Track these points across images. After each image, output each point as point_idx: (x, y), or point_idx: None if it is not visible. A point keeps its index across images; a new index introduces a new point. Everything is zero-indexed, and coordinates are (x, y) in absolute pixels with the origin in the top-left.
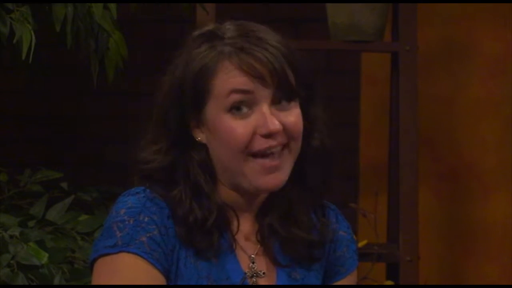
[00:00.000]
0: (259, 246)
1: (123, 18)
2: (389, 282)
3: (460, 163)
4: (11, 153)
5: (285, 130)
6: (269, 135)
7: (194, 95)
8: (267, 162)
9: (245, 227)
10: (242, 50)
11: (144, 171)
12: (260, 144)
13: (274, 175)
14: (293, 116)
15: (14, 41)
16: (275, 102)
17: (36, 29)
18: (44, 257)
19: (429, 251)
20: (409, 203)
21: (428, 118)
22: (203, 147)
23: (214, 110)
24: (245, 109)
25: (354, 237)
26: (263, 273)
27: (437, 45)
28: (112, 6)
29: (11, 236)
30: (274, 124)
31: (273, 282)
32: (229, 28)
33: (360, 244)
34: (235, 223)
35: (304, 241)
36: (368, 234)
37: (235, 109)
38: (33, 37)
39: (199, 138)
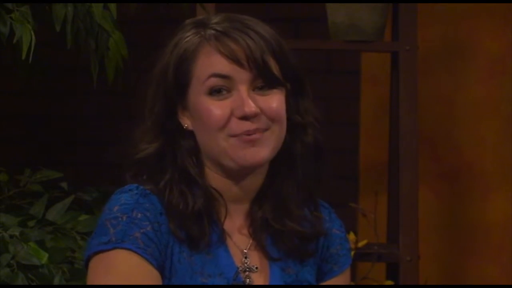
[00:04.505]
0: (251, 240)
1: (123, 18)
2: (389, 282)
3: (460, 163)
4: (11, 153)
5: (265, 114)
6: (245, 118)
7: (177, 78)
8: (245, 136)
9: (237, 220)
10: (223, 34)
11: (135, 161)
12: (238, 127)
13: (254, 149)
14: (273, 101)
15: (14, 41)
16: (255, 86)
17: (36, 29)
18: (44, 257)
19: (429, 251)
20: (409, 203)
21: (428, 118)
22: (191, 134)
23: (195, 93)
24: (224, 92)
25: (347, 235)
26: (256, 267)
27: (437, 45)
28: (112, 6)
29: (11, 236)
30: (250, 106)
31: (266, 276)
32: (216, 16)
33: (360, 244)
34: (223, 210)
35: (296, 233)
36: (368, 234)
37: (215, 91)
38: (33, 37)
39: (186, 125)
